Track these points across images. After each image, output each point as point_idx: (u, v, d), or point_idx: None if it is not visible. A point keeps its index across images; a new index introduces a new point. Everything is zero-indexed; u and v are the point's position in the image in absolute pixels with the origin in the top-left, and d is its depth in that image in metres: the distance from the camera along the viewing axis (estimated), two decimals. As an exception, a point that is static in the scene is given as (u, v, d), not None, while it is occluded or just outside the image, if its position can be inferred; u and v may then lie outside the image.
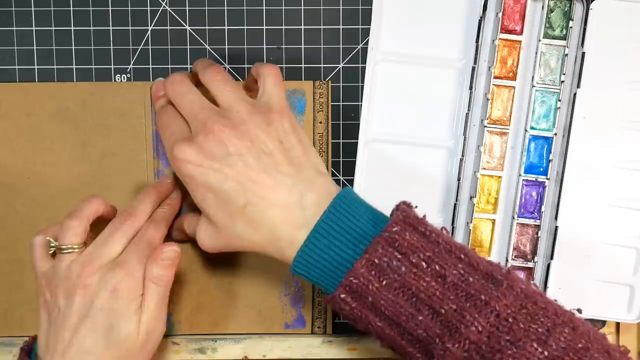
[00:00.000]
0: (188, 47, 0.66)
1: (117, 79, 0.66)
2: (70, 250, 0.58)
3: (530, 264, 0.67)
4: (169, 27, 0.66)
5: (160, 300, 0.59)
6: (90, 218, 0.60)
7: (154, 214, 0.62)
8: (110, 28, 0.66)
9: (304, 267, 0.54)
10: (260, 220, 0.55)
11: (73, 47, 0.66)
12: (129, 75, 0.66)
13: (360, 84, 0.66)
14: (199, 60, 0.62)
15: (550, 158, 0.66)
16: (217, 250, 0.58)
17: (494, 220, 0.67)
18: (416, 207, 0.56)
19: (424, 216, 0.55)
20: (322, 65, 0.67)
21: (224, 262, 0.67)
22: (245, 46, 0.66)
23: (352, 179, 0.67)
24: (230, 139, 0.55)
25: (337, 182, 0.67)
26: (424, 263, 0.52)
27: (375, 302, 0.52)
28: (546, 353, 0.49)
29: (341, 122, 0.67)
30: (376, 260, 0.52)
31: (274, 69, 0.58)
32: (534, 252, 0.67)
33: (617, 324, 0.70)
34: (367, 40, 0.66)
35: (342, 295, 0.53)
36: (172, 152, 0.56)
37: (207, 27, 0.66)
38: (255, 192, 0.54)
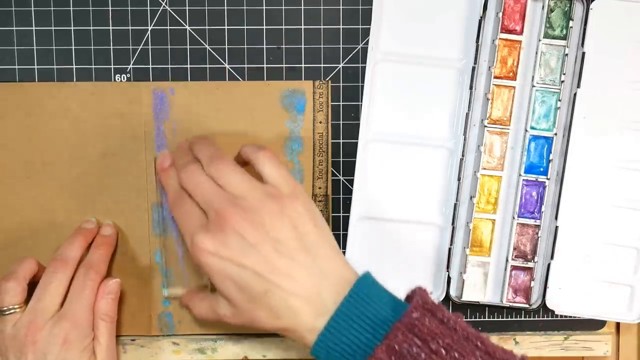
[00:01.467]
0: (188, 47, 0.66)
1: (117, 79, 0.66)
2: (12, 311, 0.60)
3: (530, 264, 0.67)
4: (169, 27, 0.66)
5: (110, 335, 0.62)
6: (27, 277, 0.62)
7: (90, 257, 0.64)
8: (110, 28, 0.66)
9: (324, 351, 0.54)
10: (280, 307, 0.55)
11: (73, 47, 0.66)
12: (128, 75, 0.66)
13: (360, 84, 0.66)
14: (197, 143, 0.61)
15: (551, 158, 0.66)
16: (239, 325, 0.58)
17: (494, 220, 0.67)
18: (429, 291, 0.57)
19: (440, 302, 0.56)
20: (322, 65, 0.66)
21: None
22: (245, 46, 0.66)
23: (352, 179, 0.67)
24: (246, 229, 0.55)
25: (337, 182, 0.67)
26: (443, 350, 0.52)
27: None
28: None
29: (341, 122, 0.67)
30: (396, 347, 0.52)
31: (265, 153, 0.58)
32: (534, 252, 0.67)
33: (617, 324, 0.70)
34: (367, 40, 0.66)
35: None
36: (192, 241, 0.56)
37: (207, 27, 0.66)
38: (273, 281, 0.55)
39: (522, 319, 0.69)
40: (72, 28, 0.66)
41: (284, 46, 0.66)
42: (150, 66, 0.66)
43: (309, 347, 0.55)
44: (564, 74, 0.65)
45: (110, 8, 0.66)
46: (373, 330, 0.53)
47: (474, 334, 0.53)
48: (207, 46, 0.66)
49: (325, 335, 0.54)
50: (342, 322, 0.53)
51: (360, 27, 0.66)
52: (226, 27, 0.66)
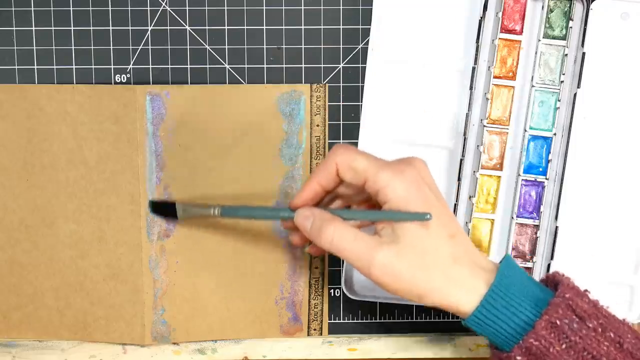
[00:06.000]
0: (188, 47, 0.66)
1: (117, 79, 0.66)
2: None
3: (529, 264, 0.67)
4: (169, 27, 0.66)
5: None
6: None
7: None
8: (110, 28, 0.66)
9: (478, 324, 0.54)
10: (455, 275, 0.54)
11: (73, 47, 0.66)
12: (128, 75, 0.66)
13: (360, 84, 0.66)
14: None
15: (550, 158, 0.66)
16: (393, 291, 0.55)
17: (493, 220, 0.67)
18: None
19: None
20: (322, 66, 0.66)
21: (219, 267, 0.67)
22: (245, 46, 0.66)
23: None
24: None
25: (337, 182, 0.67)
26: (600, 328, 0.52)
27: None
28: None
29: (341, 122, 0.67)
30: (557, 322, 0.52)
31: None
32: (533, 252, 0.67)
33: (617, 324, 0.70)
34: (367, 41, 0.66)
35: (519, 358, 0.53)
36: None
37: (207, 27, 0.66)
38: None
39: (522, 318, 0.69)
40: (72, 28, 0.66)
41: (284, 46, 0.66)
42: (150, 66, 0.66)
43: (463, 319, 0.55)
44: (564, 74, 0.65)
45: (110, 8, 0.66)
46: (530, 307, 0.53)
47: (620, 319, 0.54)
48: (207, 46, 0.66)
49: (481, 309, 0.53)
50: (498, 297, 0.53)
51: (360, 27, 0.66)
52: (226, 27, 0.66)
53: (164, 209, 0.65)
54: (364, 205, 0.59)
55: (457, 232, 0.55)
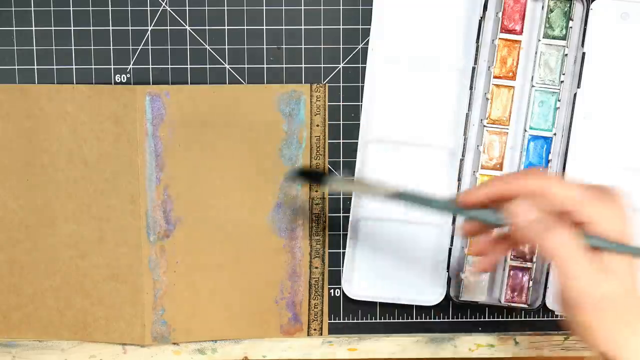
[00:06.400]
0: (188, 47, 0.66)
1: (117, 79, 0.66)
2: None
3: (528, 264, 0.67)
4: (169, 27, 0.66)
5: None
6: None
7: None
8: (110, 28, 0.66)
9: None
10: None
11: (73, 47, 0.66)
12: (128, 75, 0.66)
13: (360, 84, 0.66)
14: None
15: (550, 158, 0.66)
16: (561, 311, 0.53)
17: (494, 220, 0.67)
18: None
19: None
20: (322, 66, 0.66)
21: (219, 267, 0.67)
22: (245, 46, 0.66)
23: (352, 179, 0.67)
24: None
25: (337, 182, 0.67)
26: None
27: None
28: None
29: (341, 122, 0.67)
30: None
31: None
32: (533, 252, 0.67)
33: (617, 324, 0.70)
34: (367, 41, 0.66)
35: None
36: None
37: (207, 27, 0.66)
38: None
39: (522, 319, 0.69)
40: (72, 28, 0.66)
41: (284, 46, 0.66)
42: (150, 66, 0.66)
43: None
44: (564, 74, 0.65)
45: (110, 8, 0.65)
46: None
47: None
48: (207, 46, 0.66)
49: None
50: None
51: (360, 27, 0.66)
52: (226, 27, 0.66)
53: (314, 175, 0.63)
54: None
55: None
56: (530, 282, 0.67)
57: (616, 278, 0.49)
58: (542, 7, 0.65)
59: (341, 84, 0.67)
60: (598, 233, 0.49)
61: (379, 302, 0.68)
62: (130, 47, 0.66)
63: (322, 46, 0.66)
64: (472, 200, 0.53)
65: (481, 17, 0.65)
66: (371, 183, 0.57)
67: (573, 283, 0.49)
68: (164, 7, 0.66)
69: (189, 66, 0.66)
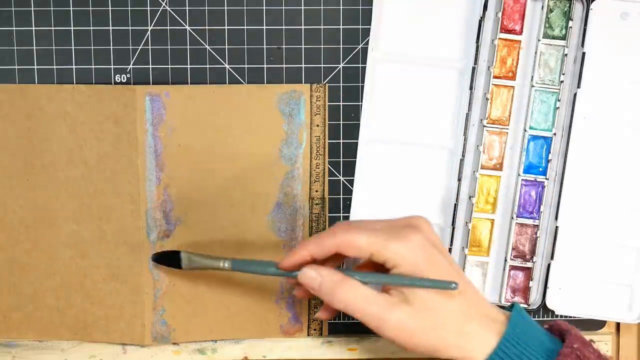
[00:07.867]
0: (188, 47, 0.66)
1: (117, 79, 0.66)
2: None
3: (529, 264, 0.67)
4: (168, 27, 0.66)
5: None
6: None
7: None
8: (110, 28, 0.66)
9: None
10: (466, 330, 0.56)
11: (73, 47, 0.66)
12: (128, 75, 0.66)
13: (360, 84, 0.66)
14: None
15: (550, 158, 0.66)
16: (408, 349, 0.57)
17: (493, 220, 0.67)
18: None
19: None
20: (322, 66, 0.66)
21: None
22: (245, 46, 0.66)
23: (352, 179, 0.67)
24: None
25: (337, 182, 0.67)
26: None
27: None
28: None
29: (341, 122, 0.67)
30: None
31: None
32: (533, 252, 0.67)
33: (617, 324, 0.70)
34: (367, 40, 0.66)
35: None
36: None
37: (207, 27, 0.66)
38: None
39: (522, 318, 0.69)
40: (72, 28, 0.66)
41: (284, 46, 0.66)
42: (150, 66, 0.66)
43: None
44: (564, 74, 0.65)
45: (110, 8, 0.65)
46: (542, 357, 0.54)
47: None
48: (207, 46, 0.66)
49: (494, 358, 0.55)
50: (511, 346, 0.55)
51: (360, 27, 0.66)
52: (226, 27, 0.66)
53: (168, 259, 0.64)
54: (366, 267, 0.61)
55: (466, 287, 0.57)
56: (531, 282, 0.67)
57: (407, 303, 0.55)
58: (542, 7, 0.65)
59: (341, 84, 0.67)
60: (397, 270, 0.55)
61: (379, 302, 0.68)
62: (130, 47, 0.66)
63: (322, 46, 0.66)
64: (290, 265, 0.58)
65: (481, 17, 0.65)
66: (209, 258, 0.62)
67: (372, 320, 0.56)
68: (164, 7, 0.66)
69: (189, 66, 0.66)
